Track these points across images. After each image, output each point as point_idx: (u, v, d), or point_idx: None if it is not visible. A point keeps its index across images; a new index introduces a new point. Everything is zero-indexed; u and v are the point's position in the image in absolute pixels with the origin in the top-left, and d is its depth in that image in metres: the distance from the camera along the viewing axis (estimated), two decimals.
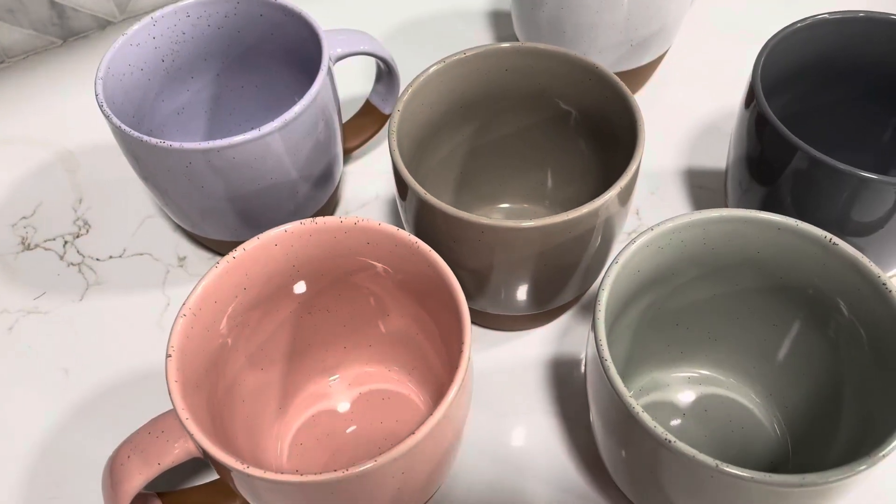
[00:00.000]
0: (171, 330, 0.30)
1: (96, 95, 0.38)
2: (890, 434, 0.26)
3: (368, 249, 0.33)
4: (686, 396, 0.38)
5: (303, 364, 0.38)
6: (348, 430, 0.38)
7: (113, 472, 0.29)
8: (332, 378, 0.39)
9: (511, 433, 0.38)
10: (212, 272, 0.31)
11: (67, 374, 0.41)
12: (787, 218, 0.32)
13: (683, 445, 0.26)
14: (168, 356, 0.29)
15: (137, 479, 0.29)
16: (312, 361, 0.38)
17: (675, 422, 0.37)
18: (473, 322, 0.42)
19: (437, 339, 0.35)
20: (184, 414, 0.28)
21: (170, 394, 0.28)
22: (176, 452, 0.29)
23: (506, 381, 0.40)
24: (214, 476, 0.37)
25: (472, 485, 0.37)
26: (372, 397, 0.39)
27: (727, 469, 0.25)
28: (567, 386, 0.40)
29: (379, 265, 0.34)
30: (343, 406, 0.38)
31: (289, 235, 0.33)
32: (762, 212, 0.32)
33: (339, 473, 0.26)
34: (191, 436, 0.27)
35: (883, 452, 0.26)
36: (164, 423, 0.29)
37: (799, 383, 0.35)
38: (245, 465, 0.26)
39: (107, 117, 0.37)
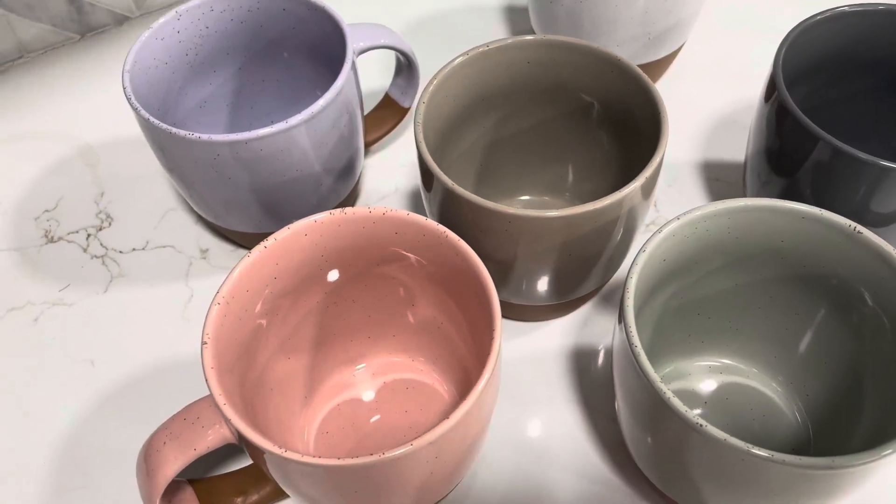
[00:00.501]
0: (206, 317, 0.30)
1: (124, 88, 0.38)
2: None
3: (397, 239, 0.34)
4: (707, 385, 0.38)
5: (328, 353, 0.38)
6: (373, 420, 0.38)
7: (148, 458, 0.30)
8: (357, 367, 0.39)
9: (533, 422, 0.39)
10: (244, 261, 0.32)
11: (93, 365, 0.42)
12: (812, 207, 0.32)
13: (714, 430, 0.26)
14: (204, 343, 0.29)
15: (173, 464, 0.29)
16: (338, 351, 0.39)
17: (697, 410, 0.38)
18: None
19: (465, 329, 0.35)
20: (221, 399, 0.28)
21: (206, 380, 0.29)
22: (211, 438, 0.29)
23: (527, 371, 0.40)
24: (242, 464, 0.37)
25: (496, 473, 0.37)
26: (396, 387, 0.39)
27: (758, 452, 0.26)
28: (588, 375, 0.40)
29: (408, 255, 0.34)
30: (368, 395, 0.39)
31: (319, 225, 0.33)
32: (787, 201, 0.32)
33: (375, 457, 0.27)
34: (227, 420, 0.28)
35: None
36: (199, 409, 0.30)
37: (820, 372, 0.35)
38: (283, 450, 0.27)
39: (135, 110, 0.37)
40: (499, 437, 0.38)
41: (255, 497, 0.35)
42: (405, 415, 0.38)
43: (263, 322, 0.34)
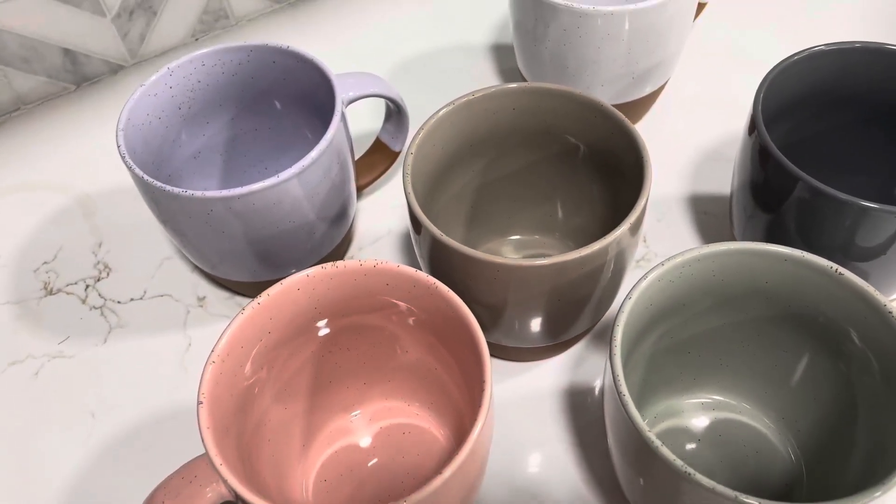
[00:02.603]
0: (202, 377, 0.31)
1: (118, 147, 0.39)
2: (885, 440, 0.27)
3: (388, 290, 0.34)
4: (700, 422, 0.39)
5: (325, 401, 0.39)
6: (370, 465, 0.39)
7: None
8: (353, 414, 0.40)
9: (528, 462, 0.39)
10: (238, 318, 0.32)
11: (94, 417, 0.42)
12: (794, 249, 0.33)
13: (702, 478, 0.27)
14: (199, 403, 0.30)
15: None
16: (335, 398, 0.39)
17: (691, 446, 0.38)
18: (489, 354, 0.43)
19: (457, 374, 0.36)
20: (217, 460, 0.29)
21: (203, 440, 0.29)
22: (209, 497, 0.30)
23: (522, 412, 0.41)
24: None
25: None
26: (393, 432, 0.40)
27: (746, 500, 0.26)
28: (583, 414, 0.41)
29: (398, 304, 0.35)
30: (365, 441, 0.39)
31: (311, 280, 0.34)
32: (769, 244, 0.33)
33: None
34: (224, 481, 0.28)
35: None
36: (197, 468, 0.30)
37: (811, 408, 0.36)
38: None
39: (129, 168, 0.38)
40: (494, 480, 0.38)
41: None
42: (403, 459, 0.39)
43: (259, 376, 0.34)
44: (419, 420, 0.40)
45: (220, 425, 0.30)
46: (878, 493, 0.26)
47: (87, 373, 0.44)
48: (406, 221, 0.50)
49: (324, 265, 0.34)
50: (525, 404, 0.41)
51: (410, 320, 0.36)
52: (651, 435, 0.28)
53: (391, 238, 0.49)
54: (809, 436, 0.36)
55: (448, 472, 0.28)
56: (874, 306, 0.31)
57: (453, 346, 0.35)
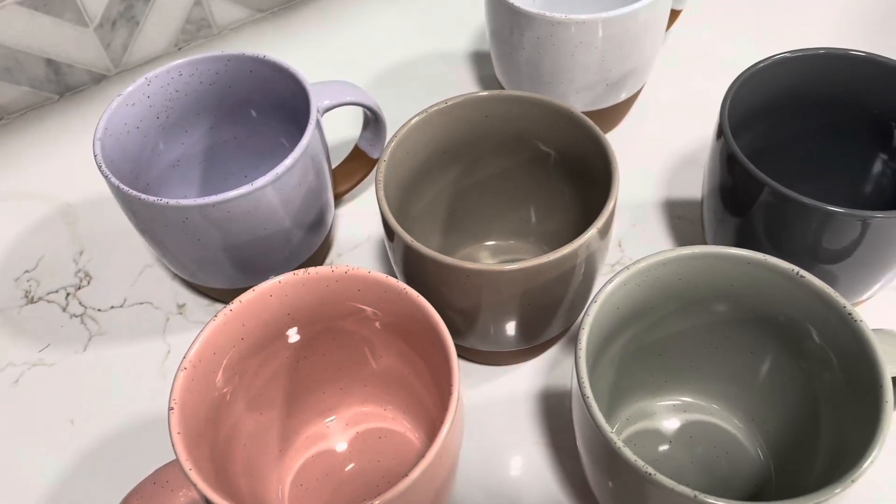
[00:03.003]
0: (173, 383, 0.31)
1: (95, 156, 0.39)
2: (861, 457, 0.28)
3: (359, 296, 0.35)
4: (671, 424, 0.39)
5: (300, 407, 0.39)
6: (347, 469, 0.39)
7: None
8: (329, 419, 0.40)
9: (503, 465, 0.40)
10: (210, 325, 0.33)
11: (73, 425, 0.42)
12: (757, 253, 0.33)
13: (662, 477, 0.27)
14: (171, 409, 0.30)
15: None
16: (309, 404, 0.40)
17: (663, 448, 0.39)
18: (464, 358, 0.43)
19: (428, 379, 0.36)
20: (187, 465, 0.29)
21: (173, 446, 0.30)
22: (181, 501, 0.30)
23: (497, 415, 0.41)
24: None
25: None
26: (369, 436, 0.40)
27: (705, 499, 0.27)
28: (557, 417, 0.41)
29: (369, 310, 0.35)
30: (341, 446, 0.40)
31: (283, 286, 0.34)
32: (733, 248, 0.33)
33: None
34: (194, 485, 0.29)
35: (853, 477, 0.27)
36: (169, 473, 0.31)
37: (778, 408, 0.36)
38: None
39: (106, 177, 0.38)
40: (469, 482, 0.39)
41: None
42: (378, 464, 0.39)
43: (233, 382, 0.35)
44: (395, 424, 0.40)
45: (191, 431, 0.31)
46: (837, 490, 0.27)
47: (68, 380, 0.44)
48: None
49: (295, 271, 0.34)
50: (500, 408, 0.42)
51: (382, 325, 0.36)
52: (613, 436, 0.28)
53: (370, 244, 0.49)
54: (777, 436, 0.37)
55: (416, 473, 0.28)
56: (834, 307, 0.31)
57: (424, 350, 0.35)
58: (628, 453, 0.28)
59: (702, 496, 0.27)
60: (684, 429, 0.39)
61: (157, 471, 0.31)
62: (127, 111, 0.42)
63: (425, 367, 0.36)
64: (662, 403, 0.40)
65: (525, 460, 0.40)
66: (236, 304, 0.33)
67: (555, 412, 0.41)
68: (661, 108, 0.55)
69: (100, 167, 0.39)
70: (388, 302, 0.35)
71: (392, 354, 0.38)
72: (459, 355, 0.43)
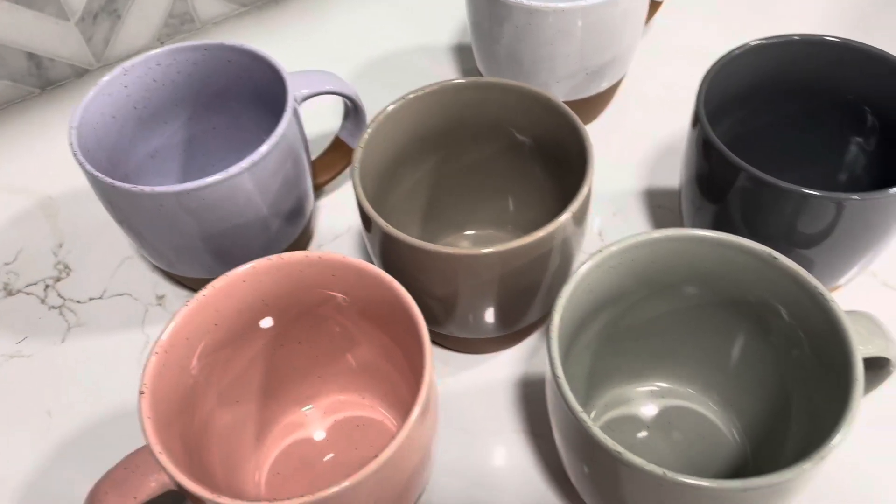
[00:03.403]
0: (144, 368, 0.31)
1: (70, 144, 0.39)
2: (831, 434, 0.28)
3: (334, 281, 0.35)
4: (650, 410, 0.39)
5: (279, 395, 0.39)
6: (325, 459, 0.39)
7: None
8: (306, 408, 0.40)
9: (482, 452, 0.40)
10: (182, 310, 0.33)
11: (51, 416, 0.42)
12: (731, 235, 0.33)
13: (632, 456, 0.27)
14: (141, 393, 0.30)
15: None
16: (287, 392, 0.39)
17: (642, 434, 0.38)
18: (444, 347, 0.43)
19: (404, 366, 0.36)
20: (157, 448, 0.29)
21: (143, 430, 0.29)
22: (152, 486, 0.30)
23: (476, 403, 0.41)
24: None
25: (444, 499, 0.38)
26: (346, 425, 0.40)
27: (674, 477, 0.27)
28: (536, 404, 0.41)
29: (344, 296, 0.35)
30: (319, 434, 0.40)
31: (256, 271, 0.34)
32: (707, 230, 0.33)
33: (307, 498, 0.27)
34: (164, 469, 0.29)
35: (822, 454, 0.27)
36: (140, 458, 0.30)
37: (752, 390, 0.36)
38: (216, 495, 0.27)
39: (80, 165, 0.38)
40: (448, 469, 0.39)
41: None
42: (356, 452, 0.39)
43: (207, 370, 0.34)
44: (372, 413, 0.40)
45: (162, 416, 0.31)
46: (806, 466, 0.27)
47: (45, 372, 0.44)
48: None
49: (269, 257, 0.34)
50: (480, 395, 0.42)
51: (357, 312, 0.36)
52: (584, 415, 0.28)
53: (351, 235, 0.49)
54: (752, 418, 0.37)
55: (384, 456, 0.28)
56: (807, 289, 0.32)
57: (400, 336, 0.35)
58: (598, 433, 0.28)
59: (671, 474, 0.27)
60: (662, 414, 0.39)
61: (128, 456, 0.31)
62: (104, 101, 0.42)
63: (401, 354, 0.36)
64: (640, 389, 0.40)
65: (504, 448, 0.40)
66: (209, 289, 0.33)
67: (534, 399, 0.41)
68: (642, 98, 0.55)
69: (75, 155, 0.39)
70: (363, 287, 0.35)
71: (369, 342, 0.38)
72: (439, 344, 0.43)
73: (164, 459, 0.29)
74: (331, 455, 0.39)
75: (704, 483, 0.26)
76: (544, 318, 0.43)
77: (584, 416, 0.28)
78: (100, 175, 0.38)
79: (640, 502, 0.30)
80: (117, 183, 0.37)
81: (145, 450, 0.30)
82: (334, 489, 0.28)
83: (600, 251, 0.33)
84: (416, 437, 0.30)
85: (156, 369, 0.31)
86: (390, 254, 0.37)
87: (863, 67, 0.40)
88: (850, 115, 0.43)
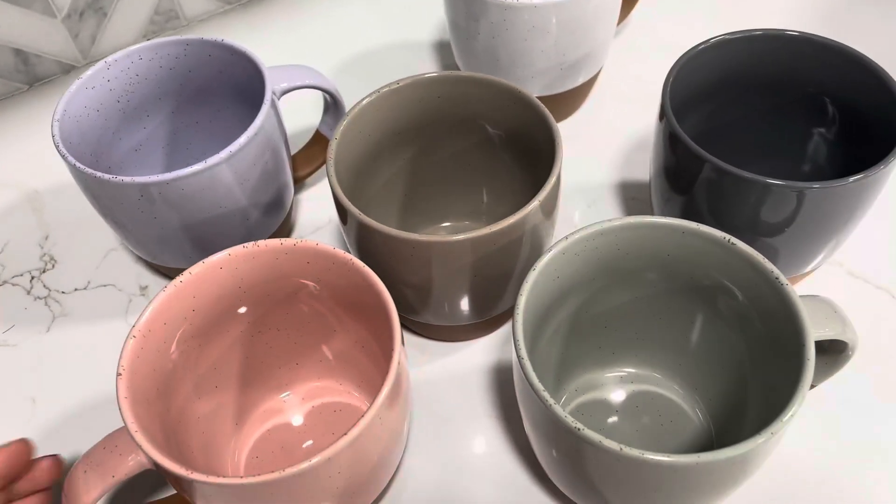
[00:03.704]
0: (122, 350, 0.32)
1: (53, 136, 0.40)
2: (782, 410, 0.29)
3: (309, 269, 0.36)
4: (618, 395, 0.40)
5: (257, 381, 0.40)
6: (304, 445, 0.40)
7: (70, 486, 0.31)
8: (284, 394, 0.41)
9: (456, 438, 0.40)
10: (159, 296, 0.34)
11: (34, 403, 0.43)
12: (690, 222, 0.34)
13: (590, 433, 0.28)
14: (118, 375, 0.31)
15: (94, 492, 0.31)
16: (266, 378, 0.40)
17: (612, 419, 0.40)
18: (421, 335, 0.44)
19: (379, 355, 0.37)
20: (133, 427, 0.30)
21: (120, 410, 0.30)
22: (130, 465, 0.31)
23: (452, 389, 0.42)
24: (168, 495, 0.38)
25: (418, 489, 0.39)
26: (325, 410, 0.41)
27: (629, 453, 0.28)
28: (509, 390, 0.42)
29: (318, 283, 0.36)
30: (297, 420, 0.41)
31: (233, 259, 0.35)
32: (668, 218, 0.35)
33: (276, 474, 0.28)
34: (139, 446, 0.30)
35: (773, 430, 0.28)
36: (118, 438, 0.31)
37: (713, 374, 0.37)
38: (189, 472, 0.28)
39: (63, 157, 0.39)
40: (423, 452, 0.40)
41: None
42: (333, 437, 0.40)
43: (185, 353, 0.35)
44: (350, 398, 0.41)
45: (139, 397, 0.32)
46: (759, 440, 0.28)
47: (30, 360, 0.45)
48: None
49: (245, 244, 0.35)
50: (455, 382, 0.43)
51: (332, 299, 0.37)
52: (545, 394, 0.29)
53: (332, 227, 0.50)
54: (715, 400, 0.38)
55: (351, 435, 0.29)
56: (763, 273, 0.33)
57: (373, 323, 0.36)
58: (559, 410, 0.29)
59: (627, 449, 0.28)
60: (630, 399, 0.40)
61: (107, 436, 0.32)
62: (87, 94, 0.43)
63: (376, 344, 0.37)
64: (609, 375, 0.41)
65: (477, 432, 0.41)
66: (186, 275, 0.34)
67: (507, 386, 0.42)
68: (618, 94, 0.56)
69: (57, 147, 0.40)
70: (336, 274, 0.36)
71: (345, 330, 0.39)
72: (416, 332, 0.44)
73: (139, 437, 0.30)
74: (309, 441, 0.40)
75: (661, 458, 0.27)
76: None
77: (545, 394, 0.29)
78: (80, 166, 0.38)
79: (602, 481, 0.31)
80: (98, 173, 0.38)
81: (123, 430, 0.31)
82: (304, 465, 0.29)
83: (565, 238, 0.34)
84: (386, 416, 0.31)
85: (133, 352, 0.32)
86: (366, 243, 0.38)
87: (822, 60, 0.41)
88: (812, 108, 0.44)
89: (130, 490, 0.39)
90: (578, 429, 0.28)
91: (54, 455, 0.35)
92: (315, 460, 0.29)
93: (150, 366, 0.33)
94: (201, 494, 0.31)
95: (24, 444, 0.33)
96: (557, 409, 0.29)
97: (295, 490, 0.30)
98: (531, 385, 0.30)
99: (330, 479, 0.30)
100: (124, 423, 0.30)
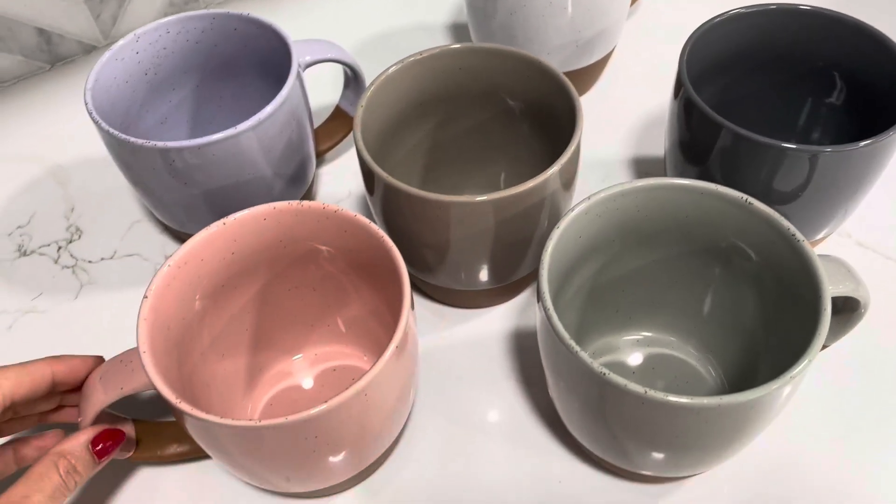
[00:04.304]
0: (153, 277, 0.33)
1: (86, 104, 0.41)
2: (796, 360, 0.30)
3: (323, 231, 0.37)
4: (635, 358, 0.41)
5: (270, 344, 0.41)
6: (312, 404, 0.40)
7: (86, 387, 0.34)
8: (296, 356, 0.42)
9: (474, 399, 0.41)
10: (201, 233, 0.35)
11: None
12: (709, 183, 0.35)
13: (616, 377, 0.29)
14: (145, 297, 0.32)
15: (102, 397, 0.33)
16: (278, 341, 0.41)
17: None
18: (440, 301, 0.45)
19: (391, 323, 0.37)
20: (143, 347, 0.31)
21: (136, 329, 0.31)
22: (137, 382, 0.32)
23: (471, 354, 0.43)
24: None
25: (434, 447, 0.40)
26: (335, 373, 0.42)
27: (654, 395, 0.29)
28: (528, 354, 0.43)
29: (332, 246, 0.37)
30: (307, 383, 0.41)
31: (277, 212, 0.36)
32: (687, 179, 0.36)
33: (288, 419, 0.29)
34: (144, 369, 0.31)
35: (790, 374, 0.29)
36: (133, 355, 0.33)
37: (729, 336, 0.39)
38: (178, 401, 0.29)
39: (96, 123, 0.40)
40: (440, 414, 0.41)
41: (187, 448, 0.38)
42: None
43: (204, 304, 0.36)
44: (360, 362, 0.42)
45: (159, 324, 0.33)
46: (775, 385, 0.29)
47: (59, 325, 0.46)
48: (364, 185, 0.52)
49: (290, 202, 0.36)
50: (473, 347, 0.44)
51: (347, 263, 0.38)
52: (572, 342, 0.30)
53: (351, 199, 0.51)
54: (729, 361, 0.39)
55: (360, 384, 0.30)
56: (779, 230, 0.34)
57: (387, 293, 0.36)
58: (585, 357, 0.30)
59: (651, 392, 0.29)
60: (647, 362, 0.41)
61: (125, 352, 0.33)
62: (116, 65, 0.44)
63: (388, 310, 0.38)
64: (627, 338, 0.42)
65: (495, 395, 0.42)
66: (231, 218, 0.35)
67: (526, 351, 0.43)
68: (631, 74, 0.58)
69: (91, 114, 0.41)
70: (351, 238, 0.36)
71: (360, 296, 0.40)
72: (435, 299, 0.45)
73: (146, 359, 0.31)
74: (318, 400, 0.40)
75: (684, 400, 0.29)
76: (535, 275, 0.45)
77: (571, 342, 0.30)
78: (115, 132, 0.40)
79: (625, 428, 0.32)
80: (132, 139, 0.39)
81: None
82: (314, 410, 0.29)
83: (587, 199, 0.35)
84: (394, 369, 0.32)
85: (165, 280, 0.33)
86: (390, 205, 0.39)
87: (833, 32, 0.42)
88: (824, 81, 0.45)
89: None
90: (604, 373, 0.29)
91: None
92: (323, 407, 0.30)
93: (177, 300, 0.34)
94: (193, 428, 0.32)
95: (95, 361, 0.35)
96: (583, 355, 0.30)
97: (309, 431, 0.31)
98: (556, 333, 0.31)
99: (336, 429, 0.31)
100: (137, 343, 0.31)
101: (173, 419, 0.38)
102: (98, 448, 0.34)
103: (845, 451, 0.39)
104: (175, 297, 0.34)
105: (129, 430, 0.37)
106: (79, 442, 0.33)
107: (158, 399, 0.31)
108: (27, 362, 0.34)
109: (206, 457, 0.39)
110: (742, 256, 0.36)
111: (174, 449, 0.38)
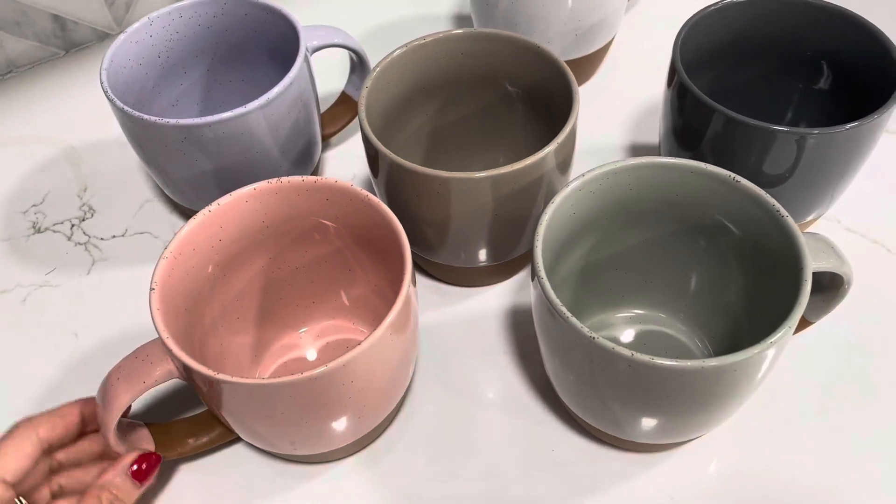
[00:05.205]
0: (154, 269, 0.34)
1: (101, 83, 0.43)
2: (777, 326, 0.31)
3: (328, 206, 0.38)
4: (627, 335, 0.43)
5: (275, 318, 0.42)
6: None
7: (104, 392, 0.34)
8: (301, 330, 0.43)
9: (471, 371, 0.43)
10: (191, 222, 0.36)
11: (77, 338, 0.46)
12: (698, 162, 0.37)
13: (604, 340, 0.31)
14: (151, 289, 0.34)
15: (124, 397, 0.33)
16: (284, 315, 0.43)
17: None
18: (439, 279, 0.47)
19: (393, 299, 0.38)
20: (165, 334, 0.32)
21: (153, 320, 0.33)
22: (158, 373, 0.33)
23: (469, 330, 0.45)
24: (195, 412, 0.41)
25: (433, 415, 0.41)
26: (339, 347, 0.43)
27: (639, 357, 0.30)
28: (525, 330, 0.45)
29: (336, 222, 0.39)
30: (312, 355, 0.43)
31: (258, 192, 0.37)
32: (677, 158, 0.37)
33: (295, 377, 0.31)
34: (170, 352, 0.32)
35: (770, 340, 0.31)
36: (148, 349, 0.34)
37: (716, 311, 0.40)
38: (216, 372, 0.31)
39: (111, 101, 0.42)
40: (440, 385, 0.42)
41: (204, 439, 0.39)
42: None
43: (210, 282, 0.38)
44: (362, 337, 0.43)
45: (170, 310, 0.34)
46: (755, 350, 0.30)
47: (72, 299, 0.48)
48: (368, 168, 0.54)
49: (269, 180, 0.37)
50: (471, 323, 0.45)
51: (349, 237, 0.39)
52: (563, 308, 0.32)
53: (355, 182, 0.53)
54: (717, 335, 0.40)
55: (365, 345, 0.32)
56: (765, 207, 0.35)
57: (390, 270, 0.38)
58: (575, 321, 0.31)
59: (637, 354, 0.30)
60: (639, 338, 0.42)
61: (139, 347, 0.34)
62: (130, 48, 0.46)
63: (390, 287, 0.39)
64: (621, 315, 0.43)
65: (492, 367, 0.43)
66: (214, 205, 0.37)
67: (523, 327, 0.45)
68: (628, 65, 0.59)
69: (106, 92, 0.42)
70: (355, 211, 0.38)
71: (363, 273, 0.41)
72: (435, 277, 0.47)
73: (171, 343, 0.32)
74: None
75: (669, 362, 0.30)
76: (531, 254, 0.46)
77: (562, 308, 0.32)
78: (129, 109, 0.41)
79: (615, 393, 0.33)
80: (146, 116, 0.41)
81: (155, 342, 0.34)
82: (319, 370, 0.31)
83: (582, 175, 0.37)
84: (395, 335, 0.33)
85: (165, 270, 0.35)
86: (393, 182, 0.40)
87: (820, 21, 0.44)
88: (812, 69, 0.46)
89: (157, 410, 0.42)
90: (593, 337, 0.31)
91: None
92: (331, 364, 0.31)
93: (179, 285, 0.36)
94: (228, 394, 0.33)
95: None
96: (573, 320, 0.31)
97: (315, 391, 0.32)
98: (549, 300, 0.32)
99: (344, 387, 0.33)
100: (157, 331, 0.33)
101: (180, 417, 0.40)
102: (135, 470, 0.35)
103: (829, 425, 0.40)
104: (178, 281, 0.35)
105: (145, 434, 0.38)
106: (117, 471, 0.35)
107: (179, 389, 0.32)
108: (55, 408, 0.36)
109: (221, 447, 0.40)
110: (728, 234, 0.37)
111: (192, 443, 0.39)
